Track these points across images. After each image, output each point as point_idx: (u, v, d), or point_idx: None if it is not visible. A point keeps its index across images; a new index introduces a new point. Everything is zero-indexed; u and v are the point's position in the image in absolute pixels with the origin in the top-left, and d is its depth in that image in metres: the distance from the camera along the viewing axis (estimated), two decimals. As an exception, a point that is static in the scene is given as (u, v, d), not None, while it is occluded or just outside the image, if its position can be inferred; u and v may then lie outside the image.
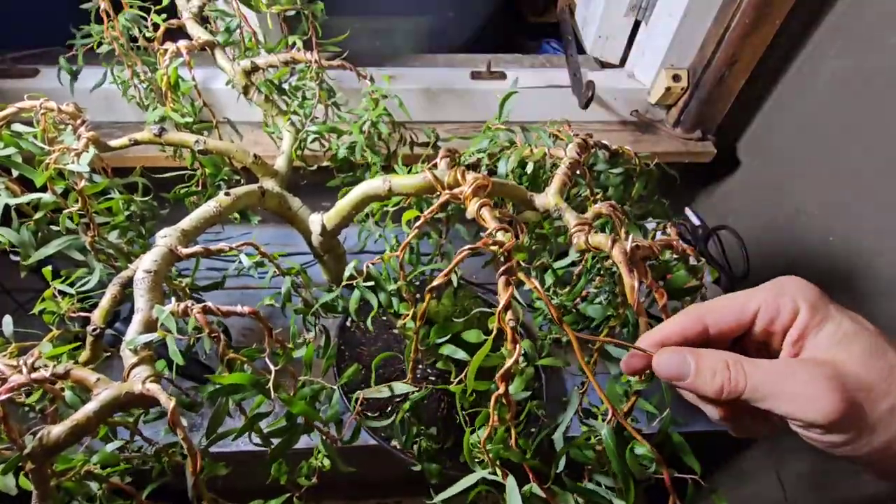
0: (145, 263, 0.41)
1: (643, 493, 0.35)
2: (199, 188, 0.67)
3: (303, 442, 0.44)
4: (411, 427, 0.51)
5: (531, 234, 0.53)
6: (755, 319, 0.31)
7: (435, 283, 0.32)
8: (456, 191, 0.37)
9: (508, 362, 0.28)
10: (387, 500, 1.19)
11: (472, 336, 0.37)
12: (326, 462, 0.47)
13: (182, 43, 0.62)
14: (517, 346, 0.28)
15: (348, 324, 0.82)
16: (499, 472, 0.31)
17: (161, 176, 0.67)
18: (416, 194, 0.46)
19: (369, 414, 0.70)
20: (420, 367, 0.70)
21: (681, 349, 0.31)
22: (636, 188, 0.48)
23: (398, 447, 0.69)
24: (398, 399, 0.74)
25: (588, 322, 0.61)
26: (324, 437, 0.45)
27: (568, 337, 0.63)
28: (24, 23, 0.96)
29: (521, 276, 0.30)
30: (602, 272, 0.49)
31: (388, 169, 0.68)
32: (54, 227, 0.55)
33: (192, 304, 0.38)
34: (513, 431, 0.30)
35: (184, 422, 0.33)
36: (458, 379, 0.38)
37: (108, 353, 0.54)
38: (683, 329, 0.32)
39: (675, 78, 0.94)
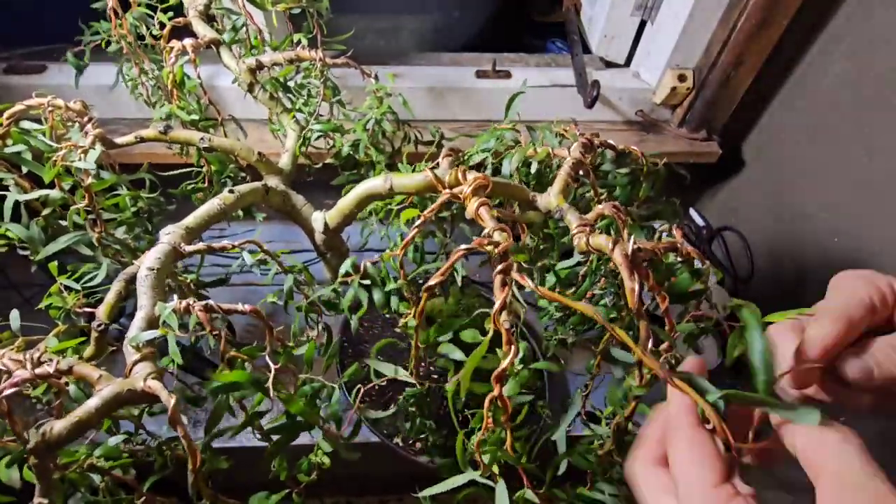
0: (149, 261, 0.42)
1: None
2: (206, 185, 0.68)
3: (304, 438, 0.44)
4: (415, 419, 0.51)
5: (537, 235, 0.53)
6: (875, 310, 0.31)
7: (430, 282, 0.32)
8: (456, 190, 0.37)
9: (503, 364, 0.28)
10: (388, 497, 1.19)
11: (468, 336, 0.37)
12: (326, 459, 0.47)
13: (187, 41, 0.62)
14: (512, 348, 0.28)
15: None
16: (495, 473, 0.31)
17: (168, 173, 0.67)
18: (417, 193, 0.47)
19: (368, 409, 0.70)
20: (423, 364, 0.70)
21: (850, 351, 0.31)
22: (643, 189, 0.47)
23: (400, 444, 0.69)
24: (402, 398, 0.75)
25: (592, 324, 0.61)
26: (325, 433, 0.46)
27: (573, 338, 0.63)
28: (33, 20, 0.97)
29: (516, 275, 0.30)
30: (606, 273, 0.49)
31: (392, 167, 0.69)
32: (62, 223, 0.55)
33: (194, 302, 0.38)
34: (509, 434, 0.30)
35: (184, 419, 0.33)
36: (454, 379, 0.38)
37: (114, 348, 0.54)
38: (841, 338, 0.31)
39: (681, 78, 0.94)
